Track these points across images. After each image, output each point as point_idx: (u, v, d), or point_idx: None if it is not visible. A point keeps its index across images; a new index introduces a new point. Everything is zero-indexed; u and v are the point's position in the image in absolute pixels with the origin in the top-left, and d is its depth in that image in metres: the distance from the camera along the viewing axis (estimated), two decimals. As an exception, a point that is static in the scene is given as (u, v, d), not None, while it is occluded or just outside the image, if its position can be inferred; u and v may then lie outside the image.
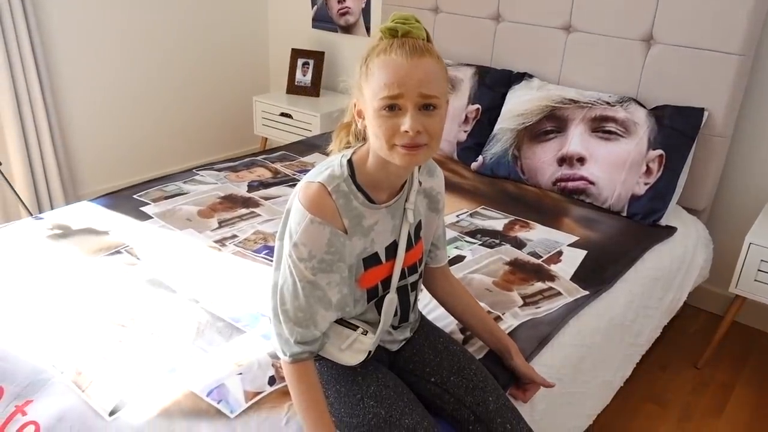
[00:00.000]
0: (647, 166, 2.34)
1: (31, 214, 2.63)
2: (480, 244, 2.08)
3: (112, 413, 1.28)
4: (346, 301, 1.25)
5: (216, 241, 1.97)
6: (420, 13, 3.10)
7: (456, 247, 2.06)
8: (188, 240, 1.96)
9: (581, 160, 2.45)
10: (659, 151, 2.33)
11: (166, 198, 2.25)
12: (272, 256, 1.88)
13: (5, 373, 1.38)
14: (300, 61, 3.61)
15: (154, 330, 1.52)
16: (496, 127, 2.69)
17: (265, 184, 2.42)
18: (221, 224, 2.09)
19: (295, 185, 2.42)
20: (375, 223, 1.23)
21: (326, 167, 1.20)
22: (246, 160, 2.68)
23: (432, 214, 1.38)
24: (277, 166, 2.63)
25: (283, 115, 3.44)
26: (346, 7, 3.54)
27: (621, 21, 2.52)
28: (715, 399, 2.27)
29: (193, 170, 2.52)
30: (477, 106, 2.79)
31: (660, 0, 2.41)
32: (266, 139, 3.67)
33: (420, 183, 1.33)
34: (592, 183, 2.42)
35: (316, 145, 2.92)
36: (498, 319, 1.67)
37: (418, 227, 1.34)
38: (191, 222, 2.09)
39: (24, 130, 2.87)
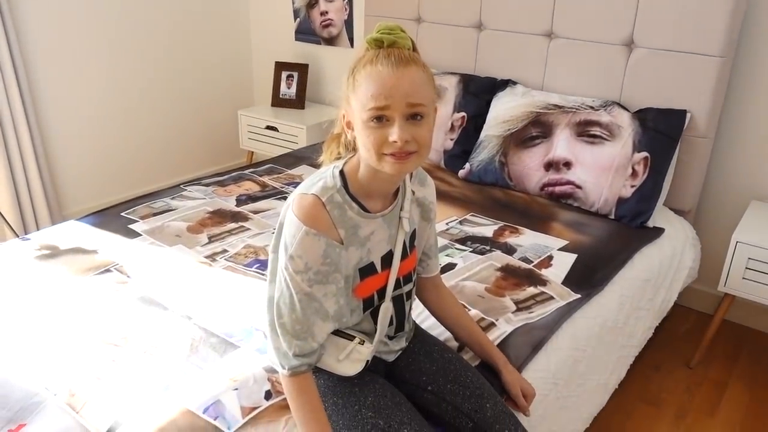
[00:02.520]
0: (633, 168, 2.36)
1: (17, 235, 2.60)
2: (471, 251, 2.09)
3: (107, 434, 1.26)
4: (342, 312, 1.25)
5: (206, 257, 1.96)
6: (402, 23, 3.12)
7: (447, 255, 2.06)
8: (178, 256, 1.95)
9: (568, 164, 2.47)
10: (644, 154, 2.35)
11: (155, 215, 2.23)
12: (263, 270, 1.89)
13: (-4, 397, 1.36)
14: (284, 74, 3.62)
15: (147, 348, 1.51)
16: (482, 134, 2.71)
17: (253, 198, 2.42)
18: (211, 239, 2.07)
19: (283, 198, 2.42)
20: (371, 233, 1.23)
21: (319, 179, 1.20)
22: (233, 174, 2.67)
23: (424, 223, 1.39)
24: (265, 179, 2.63)
25: (268, 128, 3.44)
26: (329, 19, 3.56)
27: (602, 26, 2.55)
28: (709, 397, 2.29)
29: (181, 186, 2.51)
30: (462, 114, 2.81)
31: (640, 5, 2.44)
32: (252, 152, 3.66)
33: (413, 192, 1.33)
34: (579, 187, 2.43)
35: (304, 157, 2.92)
36: (492, 325, 1.67)
37: (413, 236, 1.35)
38: (180, 238, 2.07)
39: (7, 150, 2.84)
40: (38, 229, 2.76)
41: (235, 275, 1.86)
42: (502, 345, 1.58)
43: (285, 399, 1.35)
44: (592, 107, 2.52)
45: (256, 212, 2.30)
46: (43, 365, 1.44)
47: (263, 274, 1.87)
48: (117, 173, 3.41)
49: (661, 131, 2.38)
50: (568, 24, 2.64)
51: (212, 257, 1.96)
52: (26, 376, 1.41)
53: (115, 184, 3.41)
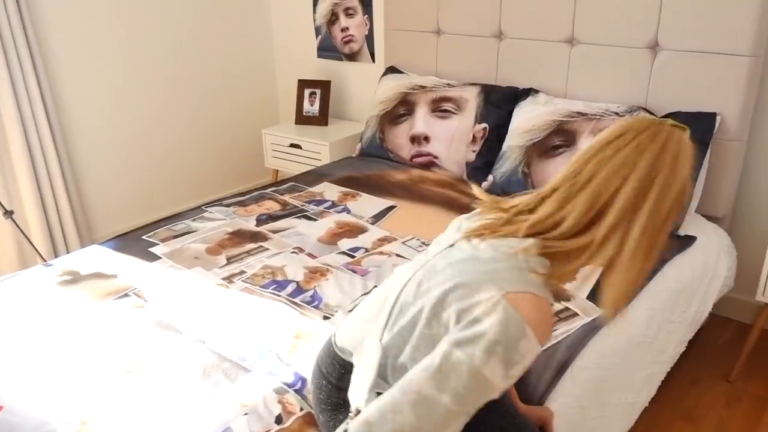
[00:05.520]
0: (661, 175, 2.27)
1: (45, 261, 2.65)
2: (492, 266, 2.04)
3: (117, 464, 1.25)
4: None
5: (224, 278, 1.95)
6: (422, 36, 3.10)
7: (468, 271, 2.01)
8: (196, 279, 1.95)
9: (593, 173, 2.39)
10: (673, 160, 2.27)
11: (175, 237, 2.24)
12: (279, 291, 1.88)
13: (12, 426, 1.36)
14: (307, 92, 3.63)
15: (159, 375, 1.50)
16: (505, 145, 2.66)
17: (273, 217, 2.41)
18: (229, 260, 2.07)
19: (304, 217, 2.41)
20: None
21: None
22: (255, 193, 2.68)
23: None
24: (286, 197, 2.62)
25: (292, 146, 3.45)
26: (350, 35, 3.56)
27: (624, 30, 2.48)
28: (751, 413, 2.18)
29: (202, 207, 2.52)
30: (484, 125, 2.76)
31: (663, 5, 2.36)
32: (278, 171, 3.68)
33: None
34: (605, 196, 2.36)
35: (325, 174, 2.91)
36: (512, 344, 1.62)
37: None
38: (199, 260, 2.08)
39: (37, 176, 2.91)
40: (68, 253, 2.81)
41: (252, 297, 1.85)
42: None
43: (296, 422, 1.33)
44: (616, 113, 2.45)
45: (275, 231, 2.29)
46: (57, 393, 1.45)
47: (279, 295, 1.86)
48: (144, 195, 3.46)
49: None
50: (589, 29, 2.58)
51: (230, 279, 1.95)
52: (40, 404, 1.42)
53: (143, 206, 3.47)
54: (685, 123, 2.27)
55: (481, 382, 0.97)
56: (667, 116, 2.37)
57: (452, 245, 1.15)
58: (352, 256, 2.11)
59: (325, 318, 1.75)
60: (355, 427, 1.00)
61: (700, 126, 2.28)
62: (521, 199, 1.16)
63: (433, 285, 1.09)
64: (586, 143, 2.43)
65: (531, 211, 1.12)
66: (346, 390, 1.18)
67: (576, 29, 2.62)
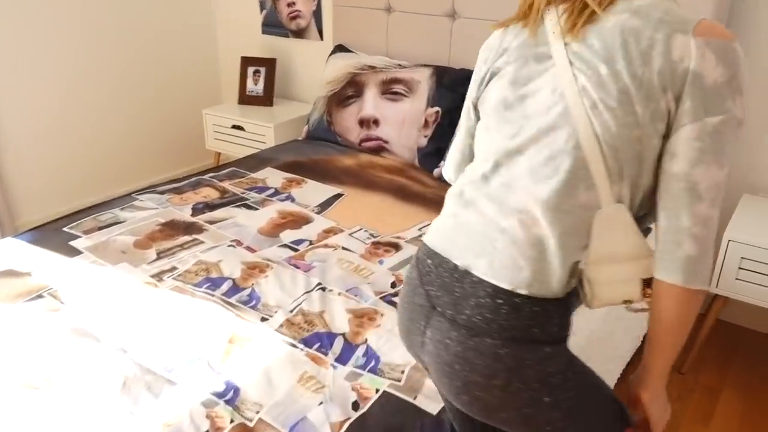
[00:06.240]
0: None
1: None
2: (444, 260, 1.93)
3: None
4: None
5: (152, 276, 1.79)
6: (372, 13, 2.94)
7: (418, 265, 1.90)
8: (121, 277, 1.78)
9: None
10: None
11: (100, 228, 2.05)
12: (213, 290, 1.72)
13: None
14: (251, 70, 3.43)
15: (71, 391, 1.34)
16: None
17: (210, 206, 2.24)
18: (160, 255, 1.90)
19: (244, 206, 2.25)
20: None
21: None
22: (192, 179, 2.49)
23: None
24: (226, 184, 2.45)
25: (235, 127, 3.25)
26: (297, 10, 3.37)
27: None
28: (702, 405, 2.15)
29: (133, 194, 2.33)
30: (436, 108, 2.64)
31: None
32: (219, 153, 3.48)
33: None
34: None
35: (269, 158, 2.74)
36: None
37: None
38: (126, 255, 1.90)
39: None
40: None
41: (183, 297, 1.69)
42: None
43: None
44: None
45: (212, 222, 2.12)
46: (-48, 414, 1.27)
47: (213, 295, 1.70)
48: (72, 179, 3.22)
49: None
50: (545, 10, 2.47)
51: (159, 276, 1.79)
52: (-70, 428, 1.24)
53: (71, 191, 3.22)
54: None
55: (739, 130, 0.92)
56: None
57: (571, 55, 0.94)
58: (295, 250, 1.97)
59: (263, 320, 1.60)
60: (681, 265, 0.90)
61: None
62: None
63: (611, 98, 0.90)
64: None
65: None
66: None
67: (532, 9, 2.51)
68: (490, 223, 0.98)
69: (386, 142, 2.73)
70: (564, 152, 0.93)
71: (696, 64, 0.88)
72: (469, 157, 1.17)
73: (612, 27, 0.92)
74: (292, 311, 1.64)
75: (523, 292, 0.94)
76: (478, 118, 1.14)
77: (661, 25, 0.89)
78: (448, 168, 1.24)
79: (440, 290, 1.00)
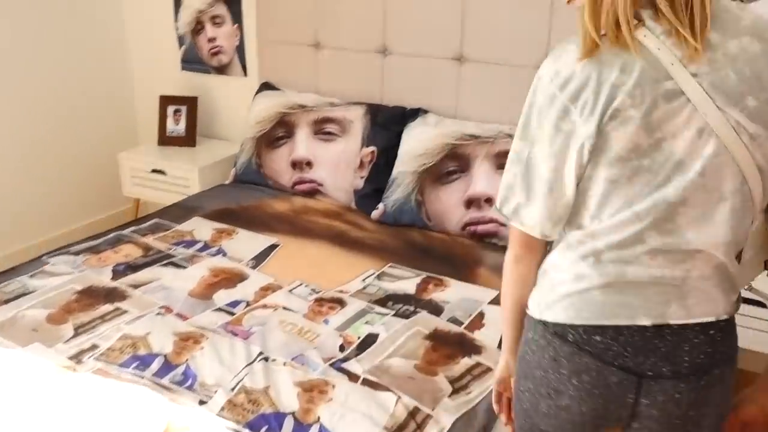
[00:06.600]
0: (559, 201, 2.18)
1: None
2: (393, 315, 1.82)
3: None
4: None
5: (70, 357, 1.58)
6: (300, 49, 2.83)
7: (367, 322, 1.78)
8: (32, 361, 1.56)
9: (489, 201, 2.26)
10: (569, 185, 2.18)
11: (6, 301, 1.82)
12: (143, 370, 1.53)
13: None
14: (171, 109, 3.22)
15: None
16: (395, 170, 2.46)
17: (133, 267, 2.04)
18: (78, 331, 1.69)
19: (171, 264, 2.06)
20: None
21: None
22: (110, 236, 2.28)
23: None
24: (149, 239, 2.25)
25: (155, 171, 3.04)
26: (218, 45, 3.20)
27: (514, 48, 2.36)
28: None
29: (43, 258, 2.09)
30: (372, 148, 2.55)
31: (553, 25, 2.27)
32: (138, 200, 3.24)
33: None
34: (503, 225, 2.23)
35: (195, 207, 2.56)
36: (428, 419, 1.41)
37: None
38: (38, 333, 1.68)
39: None
40: None
41: (107, 381, 1.50)
42: (441, 448, 1.32)
43: None
44: (510, 135, 2.32)
45: (136, 286, 1.93)
46: None
47: (142, 376, 1.52)
48: (-25, 235, 2.90)
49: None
50: (478, 47, 2.44)
51: (78, 357, 1.58)
52: None
53: (-25, 247, 2.90)
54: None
55: None
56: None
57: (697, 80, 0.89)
58: (232, 314, 1.81)
59: (201, 403, 1.44)
60: None
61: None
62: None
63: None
64: (481, 168, 2.29)
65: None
66: None
67: (464, 46, 2.47)
68: (664, 273, 0.96)
69: (320, 184, 2.61)
70: (732, 192, 0.92)
71: None
72: (565, 209, 1.00)
73: (739, 53, 0.89)
74: (233, 389, 1.49)
75: (724, 317, 0.99)
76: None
77: None
78: (542, 224, 1.01)
79: (640, 356, 0.97)
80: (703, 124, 0.89)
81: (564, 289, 1.00)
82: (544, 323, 1.02)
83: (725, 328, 0.99)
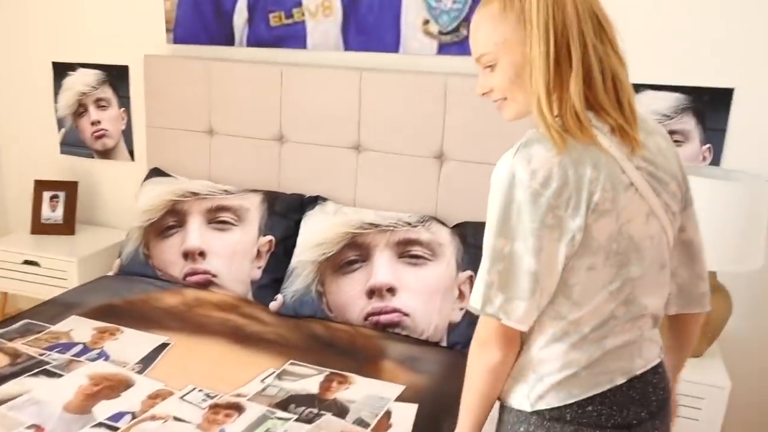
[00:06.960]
0: (459, 289, 2.19)
1: None
2: (296, 419, 1.71)
3: None
4: None
5: None
6: (192, 135, 2.75)
7: (267, 430, 1.66)
8: None
9: (391, 290, 2.23)
10: (469, 273, 2.20)
11: None
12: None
13: None
14: (47, 195, 3.00)
15: None
16: (294, 260, 2.39)
17: (-2, 378, 1.80)
18: (-76, 463, 1.44)
19: (44, 373, 1.84)
20: None
21: None
22: (-29, 341, 2.01)
23: None
24: (17, 344, 2.01)
25: (27, 263, 2.78)
26: (102, 129, 3.05)
27: (411, 139, 2.42)
28: None
29: None
30: (270, 237, 2.47)
31: (447, 119, 2.35)
32: (6, 295, 2.94)
33: None
34: (406, 314, 2.20)
35: (73, 303, 2.33)
36: None
37: None
38: None
39: None
40: None
41: None
42: None
43: None
44: (409, 224, 2.34)
45: (2, 402, 1.69)
46: None
47: None
48: None
49: (481, 246, 2.25)
50: (375, 137, 2.48)
51: None
52: None
53: None
54: (476, 233, 2.25)
55: None
56: (457, 227, 2.31)
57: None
58: (115, 429, 1.62)
59: None
60: None
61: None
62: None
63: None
64: (382, 257, 2.27)
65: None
66: None
67: (362, 136, 2.50)
68: (629, 336, 1.09)
69: (215, 275, 2.48)
70: (668, 260, 1.13)
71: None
72: (548, 299, 1.05)
73: (657, 148, 1.09)
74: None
75: (660, 358, 1.16)
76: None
77: (671, 142, 1.14)
78: (530, 316, 1.04)
79: (624, 410, 1.08)
80: (648, 209, 1.05)
81: (553, 379, 1.07)
82: (538, 413, 1.07)
83: (662, 362, 1.16)
